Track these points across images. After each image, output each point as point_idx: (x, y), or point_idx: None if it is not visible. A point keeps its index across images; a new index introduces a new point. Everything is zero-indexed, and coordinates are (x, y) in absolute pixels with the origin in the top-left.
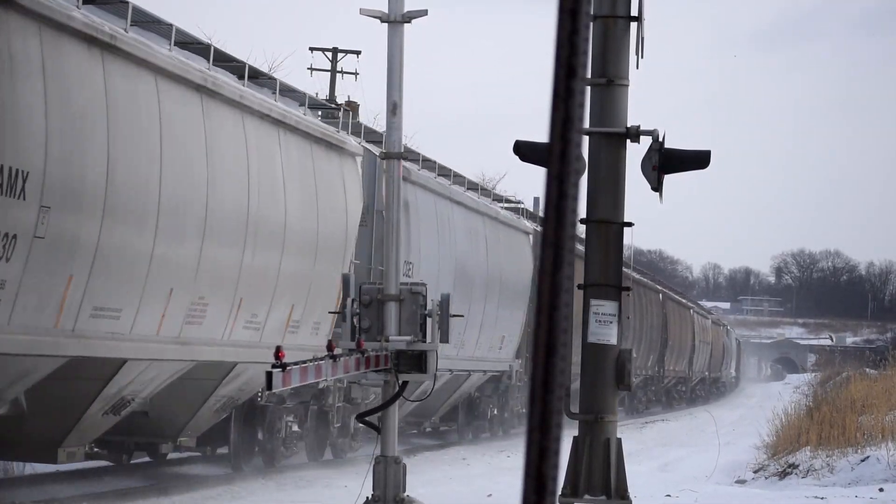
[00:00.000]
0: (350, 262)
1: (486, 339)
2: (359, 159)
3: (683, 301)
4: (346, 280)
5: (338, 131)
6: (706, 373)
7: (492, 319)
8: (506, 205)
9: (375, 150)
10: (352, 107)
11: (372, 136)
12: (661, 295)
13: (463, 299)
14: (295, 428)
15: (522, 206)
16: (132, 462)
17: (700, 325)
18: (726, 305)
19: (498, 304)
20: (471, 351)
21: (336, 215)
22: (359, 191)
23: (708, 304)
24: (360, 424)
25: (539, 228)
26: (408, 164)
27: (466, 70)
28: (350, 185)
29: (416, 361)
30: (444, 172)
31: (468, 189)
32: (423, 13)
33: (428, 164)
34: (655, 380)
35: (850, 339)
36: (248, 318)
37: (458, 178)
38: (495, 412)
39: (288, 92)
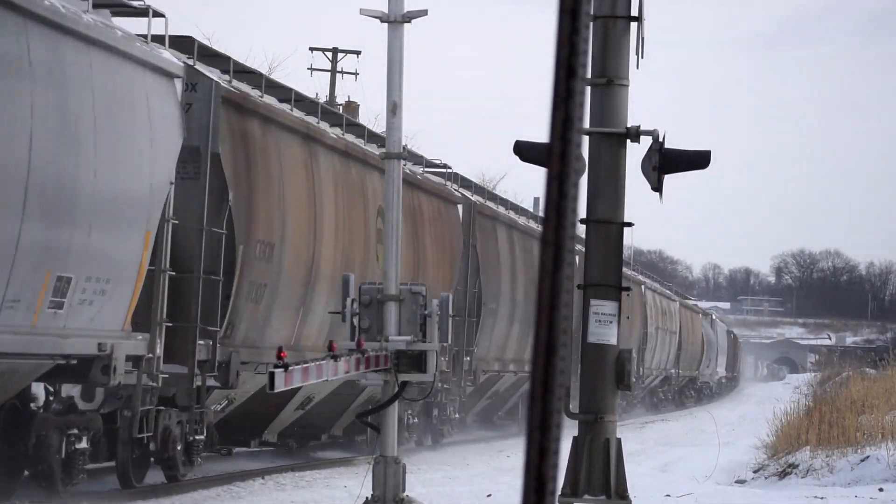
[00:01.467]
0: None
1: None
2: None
3: (629, 273)
4: (345, 280)
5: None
6: (672, 371)
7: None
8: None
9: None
10: (351, 107)
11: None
12: (578, 258)
13: None
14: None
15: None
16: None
17: (657, 308)
18: (726, 305)
19: (42, 223)
20: None
21: None
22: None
23: (708, 304)
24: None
25: (229, 84)
26: None
27: (466, 70)
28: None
29: (416, 361)
30: None
31: None
32: (423, 13)
33: None
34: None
35: (850, 339)
36: None
37: None
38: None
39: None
